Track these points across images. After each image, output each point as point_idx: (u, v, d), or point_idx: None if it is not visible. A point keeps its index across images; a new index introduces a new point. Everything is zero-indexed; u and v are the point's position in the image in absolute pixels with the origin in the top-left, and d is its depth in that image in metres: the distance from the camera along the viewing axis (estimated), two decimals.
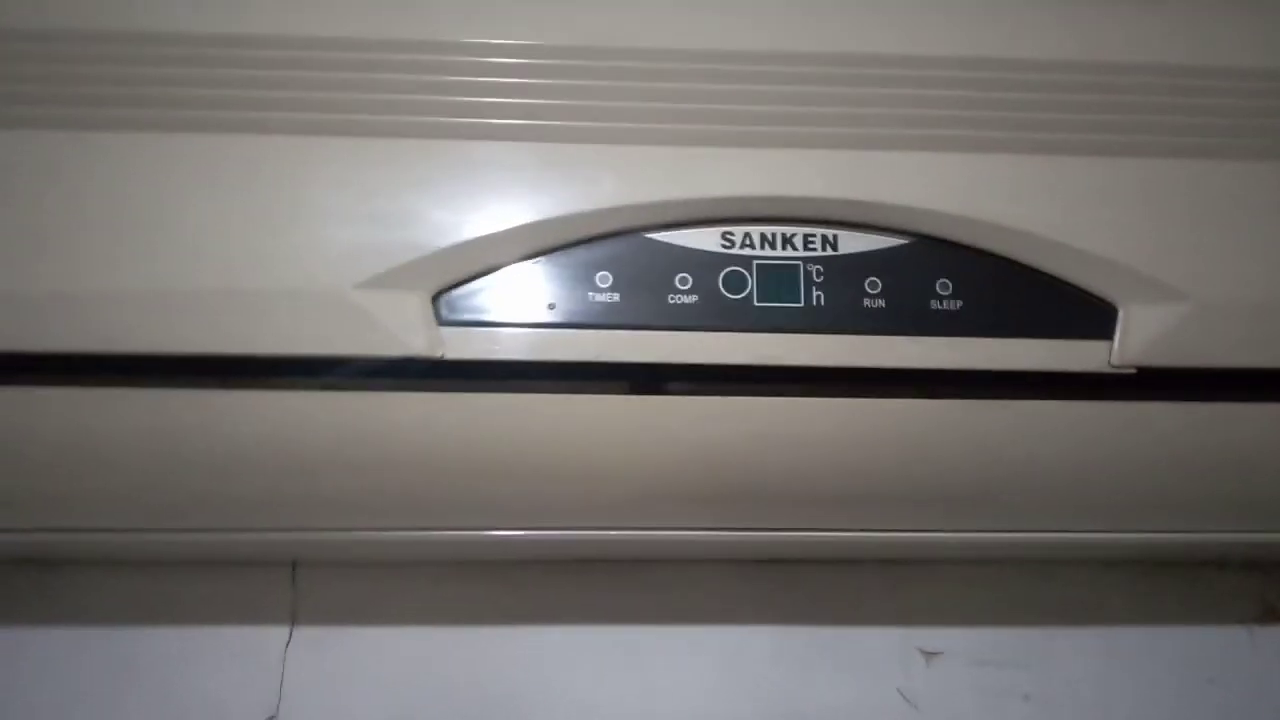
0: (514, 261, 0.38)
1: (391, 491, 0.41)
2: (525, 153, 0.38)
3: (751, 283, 0.39)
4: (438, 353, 0.37)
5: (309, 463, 0.40)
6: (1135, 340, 0.39)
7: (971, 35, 0.40)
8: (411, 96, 0.37)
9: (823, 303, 0.39)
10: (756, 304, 0.39)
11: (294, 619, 0.56)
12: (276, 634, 0.56)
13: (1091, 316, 0.39)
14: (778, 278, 0.39)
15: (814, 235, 0.39)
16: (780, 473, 0.41)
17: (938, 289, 0.39)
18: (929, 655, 0.58)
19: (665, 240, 0.39)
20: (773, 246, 0.39)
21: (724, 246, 0.39)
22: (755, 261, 0.39)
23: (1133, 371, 0.39)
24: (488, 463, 0.39)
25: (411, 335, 0.37)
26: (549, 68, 0.38)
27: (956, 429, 0.40)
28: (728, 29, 0.39)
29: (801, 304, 0.39)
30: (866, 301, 0.39)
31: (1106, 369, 0.39)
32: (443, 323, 0.37)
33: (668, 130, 0.39)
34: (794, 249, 0.39)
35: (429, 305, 0.37)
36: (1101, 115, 0.40)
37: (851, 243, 0.39)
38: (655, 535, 0.45)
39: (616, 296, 0.38)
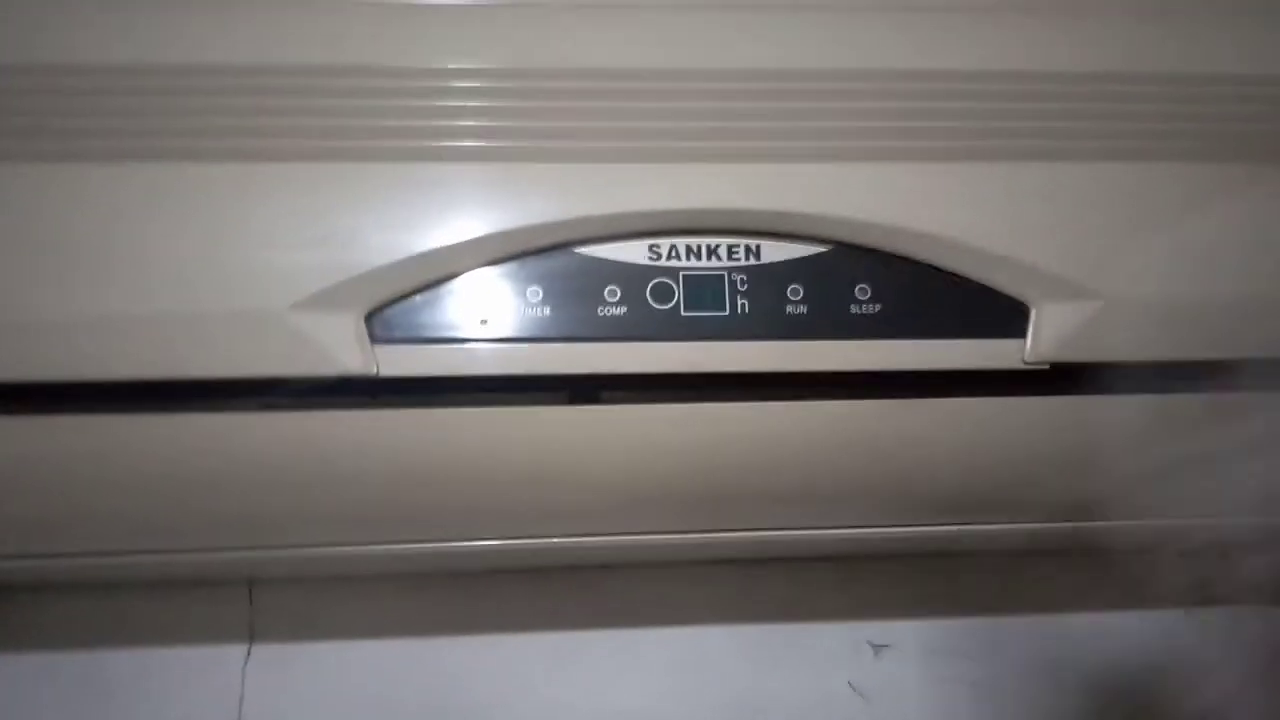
0: (445, 279, 0.39)
1: (336, 509, 0.42)
2: (454, 173, 0.39)
3: (678, 293, 0.40)
4: (372, 370, 0.38)
5: (254, 483, 0.40)
6: (1047, 337, 0.40)
7: (877, 48, 0.41)
8: (340, 121, 0.38)
9: (747, 310, 0.40)
10: (684, 313, 0.40)
11: (252, 636, 0.57)
12: (235, 652, 0.57)
13: (1005, 316, 0.41)
14: (703, 287, 0.40)
15: (737, 245, 0.41)
16: (716, 475, 0.42)
17: (857, 294, 0.40)
18: (878, 648, 0.60)
19: (594, 254, 0.40)
20: (698, 257, 0.40)
21: (651, 259, 0.40)
22: (681, 272, 0.40)
23: (1046, 367, 0.40)
24: (427, 477, 0.40)
25: (346, 354, 0.38)
26: (475, 90, 0.39)
27: (880, 428, 0.41)
28: (648, 48, 0.41)
29: (727, 312, 0.40)
30: (789, 308, 0.40)
31: (1020, 365, 0.40)
32: (376, 340, 0.38)
33: (594, 147, 0.40)
34: (719, 259, 0.40)
35: (362, 324, 0.38)
36: (1010, 122, 0.41)
37: (774, 252, 0.41)
38: (602, 541, 0.46)
39: (548, 310, 0.39)
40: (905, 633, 0.60)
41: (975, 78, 0.41)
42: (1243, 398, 0.42)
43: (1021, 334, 0.40)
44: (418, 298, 0.39)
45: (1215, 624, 0.62)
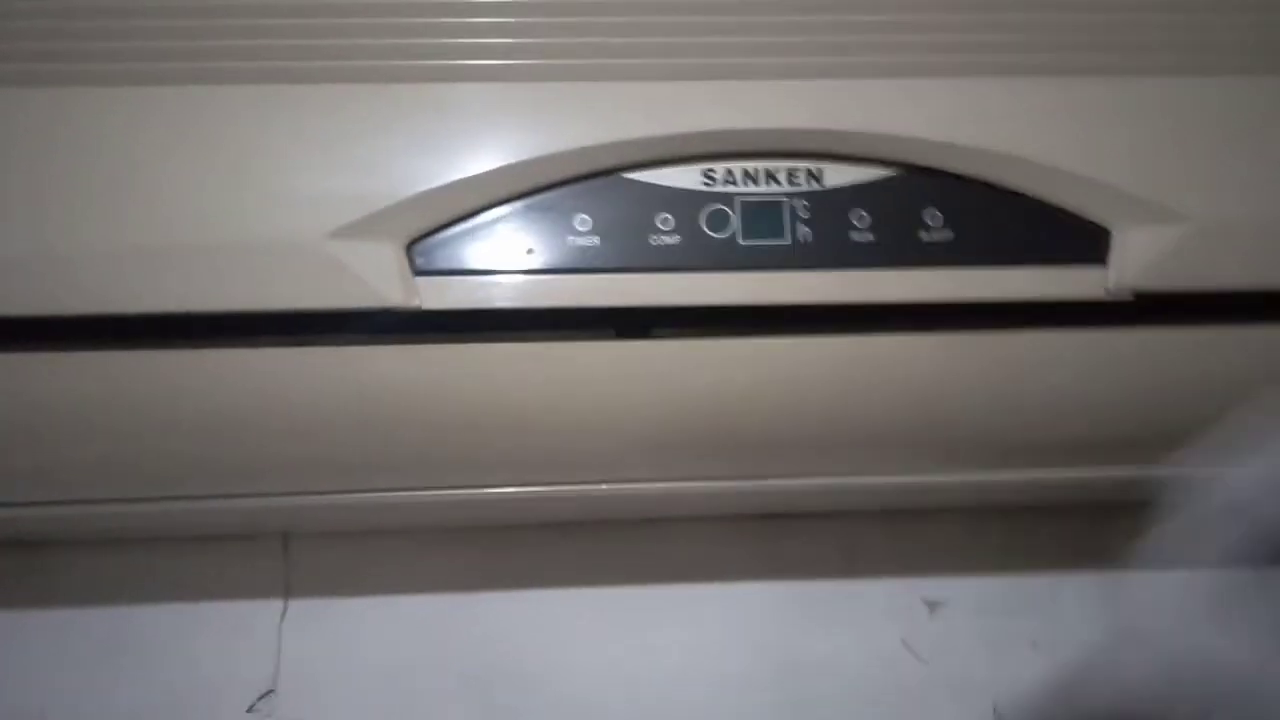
0: (489, 207, 0.37)
1: (374, 449, 0.40)
2: (497, 94, 0.37)
3: (735, 220, 0.38)
4: (413, 302, 0.36)
5: (288, 421, 0.39)
6: (1131, 264, 0.37)
7: None
8: (378, 40, 0.36)
9: (809, 239, 0.38)
10: (741, 242, 0.38)
11: (288, 592, 0.56)
12: (271, 608, 0.55)
13: (1086, 241, 0.38)
14: (762, 214, 0.38)
15: (798, 169, 0.38)
16: (772, 416, 0.40)
17: (927, 220, 0.38)
18: (932, 605, 0.57)
19: (645, 180, 0.38)
20: (755, 182, 0.38)
21: (705, 184, 0.38)
22: (738, 198, 0.38)
23: (1130, 297, 0.38)
24: (470, 416, 0.38)
25: (386, 285, 0.36)
26: (519, 5, 0.37)
27: (951, 363, 0.39)
28: None
29: (787, 240, 0.38)
30: (854, 235, 0.38)
31: (1103, 295, 0.38)
32: (418, 272, 0.36)
33: (644, 65, 0.37)
34: (778, 184, 0.38)
35: (403, 254, 0.36)
36: (1089, 34, 0.38)
37: (837, 175, 0.38)
38: (649, 488, 0.44)
39: (596, 239, 0.37)
40: (961, 589, 0.57)
41: None
42: None
43: (1103, 261, 0.38)
44: (460, 227, 0.37)
45: None
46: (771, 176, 0.38)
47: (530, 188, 0.37)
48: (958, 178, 0.38)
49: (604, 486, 0.43)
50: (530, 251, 0.37)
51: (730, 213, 0.38)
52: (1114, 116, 0.38)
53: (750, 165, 0.38)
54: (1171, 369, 0.39)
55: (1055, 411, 0.40)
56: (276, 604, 0.55)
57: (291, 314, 0.36)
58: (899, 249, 0.38)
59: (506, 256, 0.37)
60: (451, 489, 0.43)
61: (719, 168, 0.38)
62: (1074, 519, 0.59)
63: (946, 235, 0.38)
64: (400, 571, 0.55)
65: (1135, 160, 0.38)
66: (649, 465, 0.43)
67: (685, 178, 0.38)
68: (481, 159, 0.36)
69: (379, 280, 0.36)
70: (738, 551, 0.57)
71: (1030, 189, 0.38)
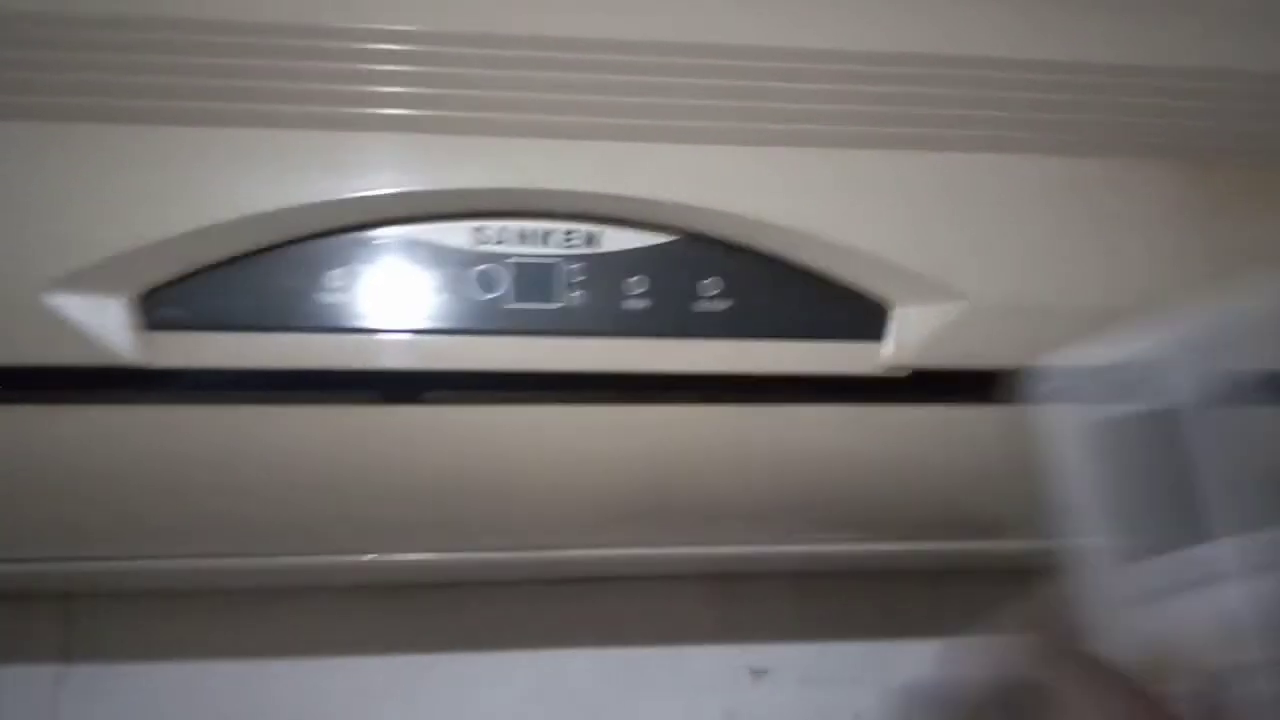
0: (232, 258, 0.34)
1: (113, 516, 0.37)
2: (247, 139, 0.34)
3: (505, 282, 0.36)
4: (144, 360, 0.33)
5: (15, 484, 0.35)
6: (909, 341, 0.37)
7: (740, 23, 0.37)
8: (106, 76, 0.33)
9: (581, 303, 0.36)
10: (510, 305, 0.36)
11: (67, 657, 0.52)
12: (46, 673, 0.51)
13: (864, 317, 0.37)
14: (533, 276, 0.36)
15: (575, 232, 0.37)
16: (542, 487, 0.38)
17: (705, 289, 0.37)
18: (756, 673, 0.56)
19: (409, 235, 0.36)
20: (529, 243, 0.36)
21: (476, 242, 0.36)
22: (509, 259, 0.36)
23: (906, 373, 0.37)
24: (211, 482, 0.36)
25: (114, 341, 0.33)
26: (275, 48, 0.35)
27: (727, 436, 0.37)
28: (483, 10, 0.36)
29: (560, 305, 0.36)
30: (628, 303, 0.36)
31: (879, 371, 0.37)
32: (151, 326, 0.34)
33: (415, 116, 0.36)
34: (552, 245, 0.36)
35: (135, 307, 0.33)
36: (877, 107, 0.38)
37: (615, 240, 0.37)
38: (429, 559, 0.42)
39: (355, 297, 0.35)
40: (785, 657, 0.56)
41: (836, 58, 0.38)
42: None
43: (881, 337, 0.37)
44: (200, 279, 0.34)
45: None
46: (546, 238, 0.36)
47: (279, 239, 0.35)
48: (738, 248, 0.37)
49: (371, 558, 0.40)
50: (277, 308, 0.35)
51: (501, 273, 0.36)
52: (898, 192, 0.37)
53: (524, 225, 0.36)
54: (946, 446, 0.39)
55: (833, 485, 0.39)
56: (53, 669, 0.51)
57: (9, 370, 0.33)
58: (674, 317, 0.36)
59: (250, 313, 0.34)
60: (202, 557, 0.40)
61: (491, 226, 0.36)
62: (902, 586, 0.58)
63: (723, 305, 0.37)
64: (188, 636, 0.52)
65: (916, 237, 0.37)
66: (428, 535, 0.41)
67: (454, 235, 0.36)
68: (224, 207, 0.34)
69: (106, 335, 0.33)
70: (554, 616, 0.54)
71: (810, 262, 0.37)
